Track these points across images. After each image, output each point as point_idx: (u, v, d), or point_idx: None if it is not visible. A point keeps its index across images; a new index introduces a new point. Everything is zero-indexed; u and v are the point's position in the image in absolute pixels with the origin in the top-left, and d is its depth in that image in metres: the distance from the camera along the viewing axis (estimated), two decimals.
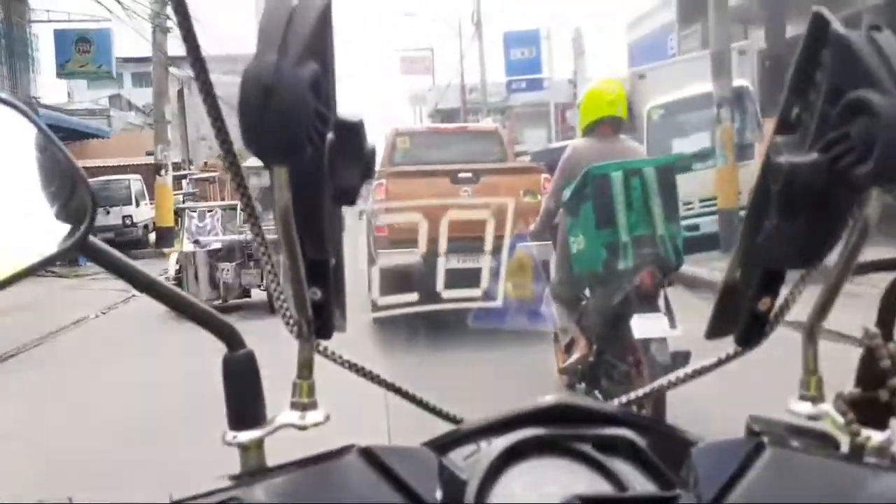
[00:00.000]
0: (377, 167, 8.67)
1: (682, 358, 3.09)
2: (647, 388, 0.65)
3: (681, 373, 0.62)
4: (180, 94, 25.27)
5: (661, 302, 3.30)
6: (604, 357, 3.61)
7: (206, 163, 25.35)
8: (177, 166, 20.73)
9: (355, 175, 0.51)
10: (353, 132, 0.50)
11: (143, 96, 29.66)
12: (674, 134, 10.10)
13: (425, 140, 9.31)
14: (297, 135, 0.45)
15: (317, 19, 0.47)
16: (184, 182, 19.31)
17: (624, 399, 0.63)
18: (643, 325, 3.20)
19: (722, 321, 0.60)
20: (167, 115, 16.40)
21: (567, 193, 3.53)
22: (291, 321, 0.55)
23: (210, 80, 0.51)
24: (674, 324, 3.21)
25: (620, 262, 3.26)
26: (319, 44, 0.47)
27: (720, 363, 0.61)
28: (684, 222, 4.15)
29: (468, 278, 3.88)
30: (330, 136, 0.48)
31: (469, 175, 7.24)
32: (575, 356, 3.75)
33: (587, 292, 3.75)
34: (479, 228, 4.26)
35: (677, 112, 10.28)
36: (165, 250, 13.48)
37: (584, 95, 4.04)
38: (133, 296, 8.25)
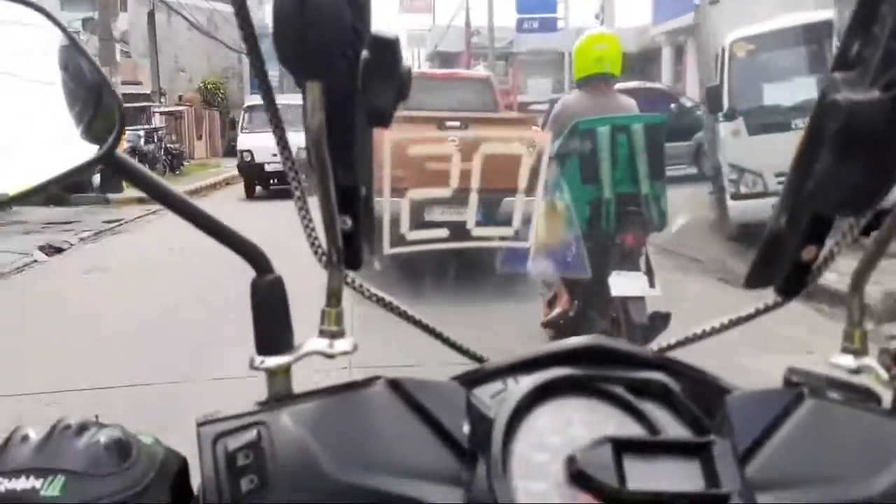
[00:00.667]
0: None
1: (660, 319, 3.15)
2: (682, 336, 0.63)
3: (717, 322, 0.61)
4: (151, 16, 24.12)
5: (642, 261, 3.35)
6: (585, 313, 3.68)
7: (180, 97, 24.39)
8: (146, 98, 20.14)
9: (390, 96, 0.49)
10: (388, 50, 0.48)
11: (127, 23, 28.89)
12: (767, 77, 7.42)
13: (419, 85, 9.38)
14: (333, 49, 0.44)
15: None
16: (156, 116, 18.92)
17: (663, 344, 0.63)
18: (621, 283, 3.27)
19: (763, 270, 0.58)
20: (136, 42, 15.40)
21: (555, 147, 3.55)
22: (320, 250, 0.56)
23: (248, 11, 0.51)
24: (653, 283, 3.26)
25: (602, 218, 3.28)
26: None
27: (758, 313, 0.60)
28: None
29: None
30: (364, 53, 0.47)
31: (456, 124, 7.26)
32: (557, 311, 3.80)
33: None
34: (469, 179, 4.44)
35: (772, 47, 7.47)
36: (110, 196, 12.20)
37: (575, 48, 4.02)
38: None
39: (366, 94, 0.48)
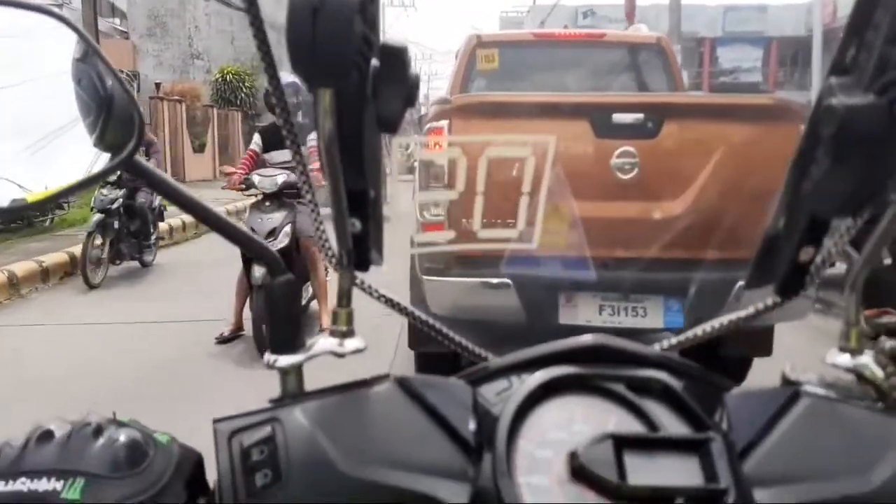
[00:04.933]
0: (447, 94, 4.85)
1: None
2: (683, 335, 0.70)
3: (717, 322, 0.69)
4: None
5: None
6: None
7: (157, 85, 21.55)
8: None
9: (398, 102, 0.57)
10: (397, 58, 0.56)
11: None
12: None
13: (527, 55, 5.87)
14: (344, 57, 0.51)
15: None
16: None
17: (665, 344, 0.70)
18: None
19: (763, 271, 0.65)
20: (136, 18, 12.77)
21: None
22: (330, 252, 0.65)
23: (259, 10, 0.57)
24: None
25: None
26: None
27: (758, 313, 0.68)
28: None
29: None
30: (374, 62, 0.55)
31: (637, 118, 3.90)
32: None
33: None
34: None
35: None
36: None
37: None
38: None
39: (375, 100, 0.56)
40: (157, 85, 21.26)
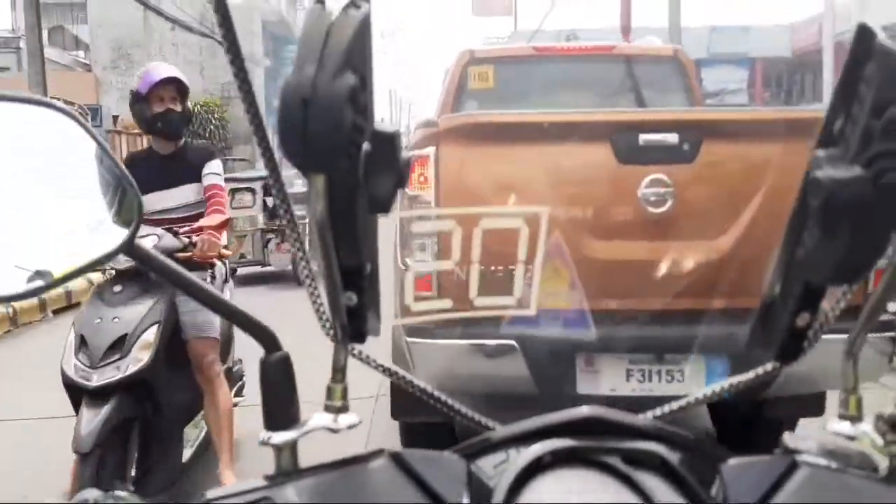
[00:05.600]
0: (435, 115, 4.33)
1: None
2: (679, 402, 0.71)
3: (716, 386, 0.71)
4: None
5: None
6: None
7: (115, 118, 20.63)
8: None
9: (389, 184, 0.59)
10: (388, 143, 0.58)
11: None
12: None
13: (526, 72, 5.11)
14: (335, 146, 0.54)
15: (355, 32, 0.55)
16: None
17: (658, 412, 0.71)
18: None
19: (760, 336, 0.67)
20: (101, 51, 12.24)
21: None
22: (328, 325, 0.66)
23: (252, 91, 0.62)
24: None
25: None
26: (357, 56, 0.55)
27: (757, 378, 0.69)
28: None
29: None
30: (366, 146, 0.57)
31: (669, 139, 3.17)
32: None
33: None
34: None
35: None
36: None
37: None
38: None
39: (367, 183, 0.59)
40: (115, 118, 20.10)
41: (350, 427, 0.65)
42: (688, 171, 3.06)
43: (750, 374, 0.68)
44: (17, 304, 8.75)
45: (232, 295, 4.02)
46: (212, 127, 23.28)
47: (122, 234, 0.74)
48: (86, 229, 0.75)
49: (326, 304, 0.62)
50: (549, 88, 4.87)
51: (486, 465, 0.62)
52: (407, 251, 3.12)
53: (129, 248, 0.72)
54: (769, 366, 0.66)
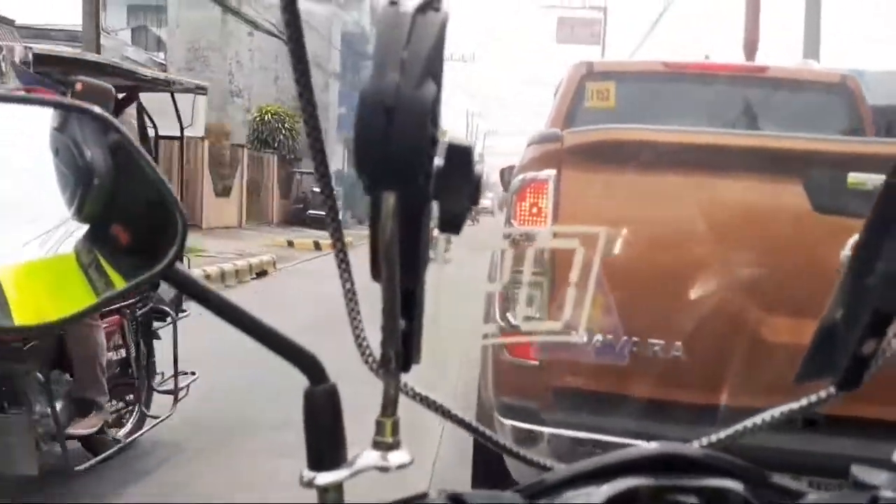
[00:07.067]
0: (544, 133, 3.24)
1: None
2: (736, 427, 0.68)
3: (775, 411, 0.68)
4: None
5: None
6: None
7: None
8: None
9: (462, 202, 0.56)
10: (461, 157, 0.56)
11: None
12: None
13: (655, 92, 4.26)
14: (417, 161, 0.51)
15: (436, 36, 0.52)
16: None
17: (713, 438, 0.68)
18: None
19: (817, 363, 0.65)
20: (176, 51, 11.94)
21: None
22: (371, 358, 0.62)
23: (314, 98, 0.57)
24: None
25: None
26: (437, 63, 0.52)
27: (811, 405, 0.67)
28: None
29: None
30: (437, 160, 0.55)
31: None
32: None
33: None
34: None
35: None
36: None
37: None
38: None
39: (438, 200, 0.56)
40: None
41: (401, 466, 0.61)
42: None
43: (804, 401, 0.66)
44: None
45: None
46: (281, 136, 22.95)
47: (162, 254, 0.67)
48: (123, 251, 0.72)
49: (369, 330, 0.60)
50: (683, 113, 3.95)
51: None
52: (510, 304, 2.36)
53: (169, 272, 0.66)
54: (824, 392, 0.64)
